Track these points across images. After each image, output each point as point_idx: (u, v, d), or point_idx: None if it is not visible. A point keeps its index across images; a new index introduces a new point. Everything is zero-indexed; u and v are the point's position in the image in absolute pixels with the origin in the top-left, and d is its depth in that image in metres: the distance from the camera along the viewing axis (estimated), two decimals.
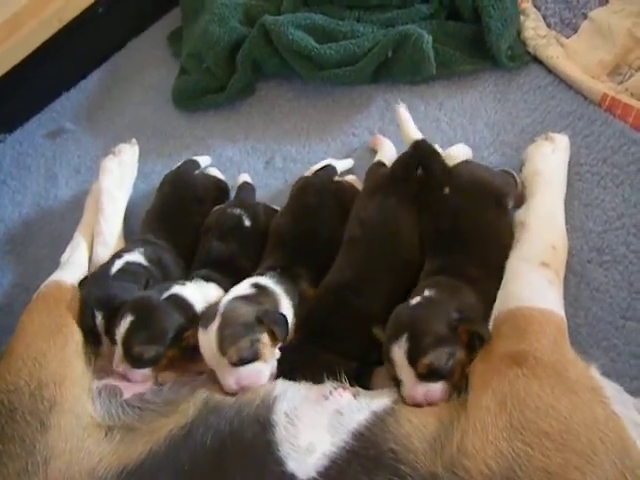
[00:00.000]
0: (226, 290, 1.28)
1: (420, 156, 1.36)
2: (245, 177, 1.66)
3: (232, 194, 1.64)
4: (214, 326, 1.11)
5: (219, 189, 1.64)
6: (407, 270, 1.27)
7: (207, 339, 1.12)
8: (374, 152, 1.62)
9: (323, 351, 1.17)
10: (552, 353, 0.96)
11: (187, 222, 1.52)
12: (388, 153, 1.53)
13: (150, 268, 1.38)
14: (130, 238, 1.60)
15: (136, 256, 1.39)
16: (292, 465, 0.92)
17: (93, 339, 1.26)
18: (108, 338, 1.26)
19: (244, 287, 1.23)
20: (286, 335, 1.15)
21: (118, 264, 1.35)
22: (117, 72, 2.10)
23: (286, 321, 1.16)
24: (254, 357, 1.11)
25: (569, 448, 0.82)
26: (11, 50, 1.88)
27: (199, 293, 1.29)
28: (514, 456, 0.83)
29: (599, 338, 1.21)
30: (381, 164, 1.47)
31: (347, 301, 1.22)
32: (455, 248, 1.23)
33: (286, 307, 1.23)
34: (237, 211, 1.49)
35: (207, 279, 1.35)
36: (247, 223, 1.47)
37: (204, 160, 1.72)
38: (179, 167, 1.65)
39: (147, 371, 1.20)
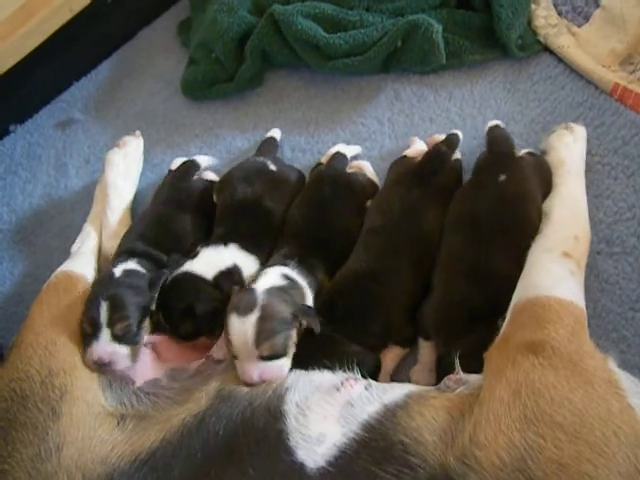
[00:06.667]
0: (247, 249, 1.33)
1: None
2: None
3: None
4: (253, 317, 1.11)
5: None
6: (427, 260, 1.28)
7: (242, 328, 1.11)
8: (383, 142, 1.62)
9: (341, 339, 1.18)
10: (570, 344, 0.96)
11: (182, 230, 1.47)
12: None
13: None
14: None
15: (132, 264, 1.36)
16: (302, 454, 0.94)
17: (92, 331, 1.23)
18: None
19: (276, 277, 1.21)
20: (319, 329, 1.16)
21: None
22: (127, 62, 2.10)
23: (317, 315, 1.18)
24: (283, 353, 1.12)
25: (582, 440, 0.82)
26: (21, 40, 1.87)
27: (213, 260, 1.30)
28: (526, 447, 0.83)
29: (608, 330, 1.21)
30: (407, 157, 1.46)
31: (366, 289, 1.23)
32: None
33: (310, 300, 1.24)
34: (261, 159, 1.48)
35: (225, 240, 1.34)
36: (272, 167, 1.48)
37: (204, 160, 1.66)
38: (178, 170, 1.60)
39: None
